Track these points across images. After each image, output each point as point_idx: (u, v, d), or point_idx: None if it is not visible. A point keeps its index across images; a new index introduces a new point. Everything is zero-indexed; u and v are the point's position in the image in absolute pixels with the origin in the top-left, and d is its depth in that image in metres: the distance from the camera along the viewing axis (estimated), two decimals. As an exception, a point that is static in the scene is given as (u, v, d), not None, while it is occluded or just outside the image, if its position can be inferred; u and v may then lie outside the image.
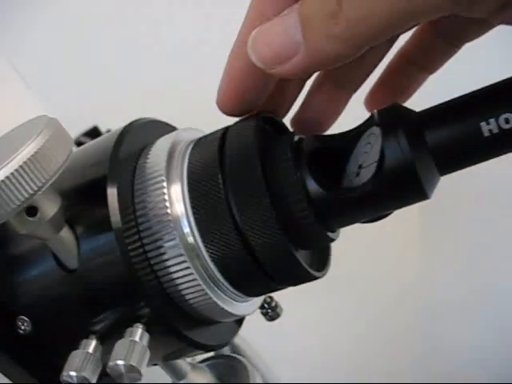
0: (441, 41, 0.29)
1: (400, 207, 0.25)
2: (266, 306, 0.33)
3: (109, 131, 0.51)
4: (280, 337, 0.64)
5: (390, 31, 0.21)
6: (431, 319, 0.75)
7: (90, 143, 0.28)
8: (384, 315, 0.75)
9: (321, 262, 0.27)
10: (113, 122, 0.53)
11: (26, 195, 0.21)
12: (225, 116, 0.27)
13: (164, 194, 0.24)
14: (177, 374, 0.30)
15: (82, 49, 0.71)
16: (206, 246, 0.24)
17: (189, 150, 0.26)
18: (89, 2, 0.70)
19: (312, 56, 0.22)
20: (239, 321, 0.30)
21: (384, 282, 0.74)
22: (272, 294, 0.32)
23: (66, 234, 0.24)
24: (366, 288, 0.73)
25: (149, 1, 0.72)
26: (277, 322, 0.34)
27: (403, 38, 0.28)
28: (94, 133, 0.49)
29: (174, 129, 0.30)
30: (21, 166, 0.21)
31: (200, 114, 0.48)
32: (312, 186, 0.24)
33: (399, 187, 0.23)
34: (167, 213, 0.24)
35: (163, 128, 0.29)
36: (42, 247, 0.26)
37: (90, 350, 0.25)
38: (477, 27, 0.27)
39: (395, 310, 0.75)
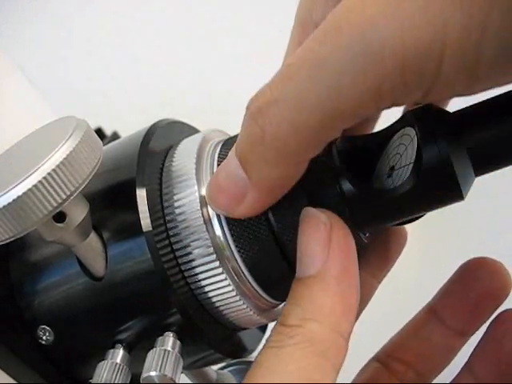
0: None
1: (435, 208, 0.24)
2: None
3: (115, 133, 0.50)
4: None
5: (323, 137, 0.20)
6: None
7: (113, 145, 0.27)
8: (383, 320, 0.74)
9: None
10: (115, 123, 0.52)
11: (59, 201, 0.20)
12: (225, 117, 0.26)
13: (196, 196, 0.24)
14: (203, 381, 0.29)
15: (85, 48, 0.70)
16: (239, 251, 0.24)
17: (217, 151, 0.25)
18: (91, 2, 0.70)
19: (260, 186, 0.21)
20: (263, 327, 0.29)
21: (383, 288, 0.73)
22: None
23: (93, 239, 0.23)
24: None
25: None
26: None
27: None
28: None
29: (194, 130, 0.29)
30: (54, 170, 0.20)
31: (200, 114, 0.47)
32: (347, 187, 0.23)
33: (436, 188, 0.22)
34: (199, 216, 0.23)
35: (185, 129, 0.29)
36: (65, 253, 0.25)
37: (118, 360, 0.24)
38: None
39: (395, 314, 0.74)
